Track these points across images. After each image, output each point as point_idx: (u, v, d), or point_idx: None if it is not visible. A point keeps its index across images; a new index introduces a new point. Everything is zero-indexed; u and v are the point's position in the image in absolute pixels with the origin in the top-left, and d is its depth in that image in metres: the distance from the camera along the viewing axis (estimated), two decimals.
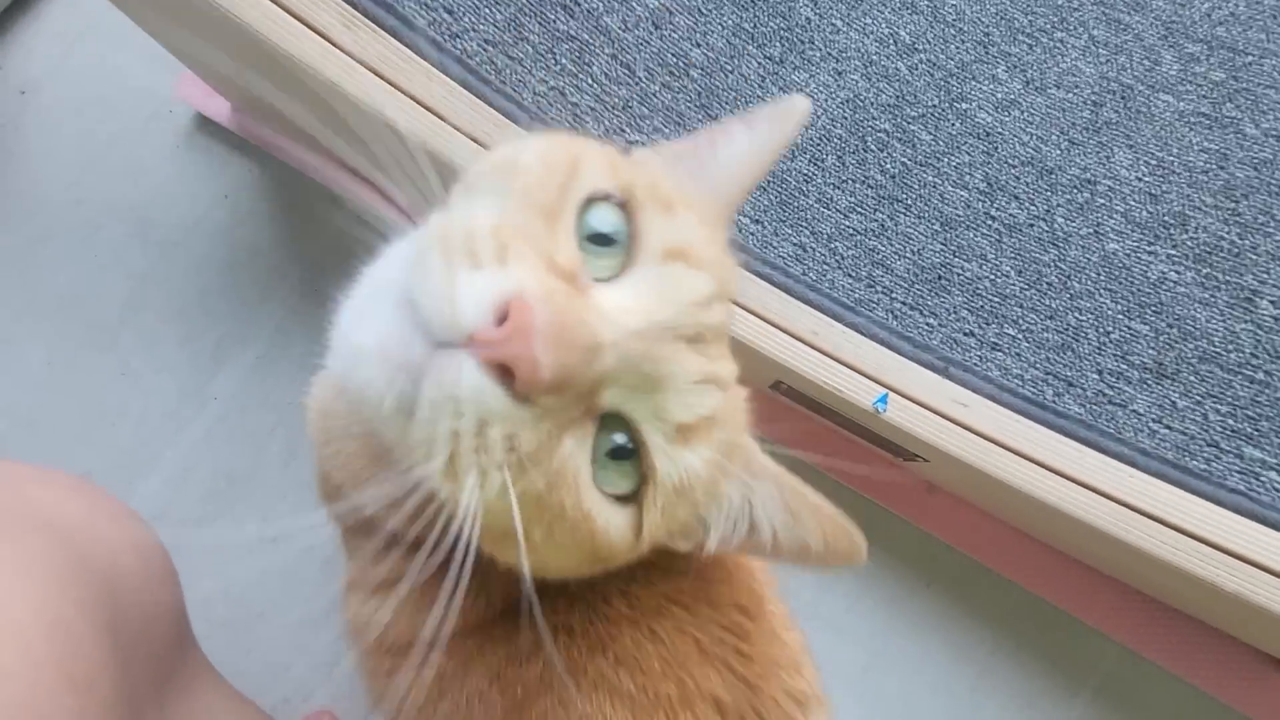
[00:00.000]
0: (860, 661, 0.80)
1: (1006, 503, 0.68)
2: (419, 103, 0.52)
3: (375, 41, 0.51)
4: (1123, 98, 0.68)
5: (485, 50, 0.57)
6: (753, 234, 0.62)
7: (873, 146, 0.66)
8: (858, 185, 0.65)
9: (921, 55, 0.68)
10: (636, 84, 0.61)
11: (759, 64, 0.65)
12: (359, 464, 0.31)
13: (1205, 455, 0.55)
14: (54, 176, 0.86)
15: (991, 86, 0.68)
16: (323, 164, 0.82)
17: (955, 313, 0.62)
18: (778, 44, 0.66)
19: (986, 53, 0.69)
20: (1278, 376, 0.57)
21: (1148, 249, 0.63)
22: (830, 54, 0.67)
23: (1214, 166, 0.64)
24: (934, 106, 0.67)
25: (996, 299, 0.63)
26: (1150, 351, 0.60)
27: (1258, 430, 0.55)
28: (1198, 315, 0.60)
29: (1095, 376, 0.59)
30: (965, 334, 0.62)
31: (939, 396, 0.59)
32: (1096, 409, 0.58)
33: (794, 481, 0.29)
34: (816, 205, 0.64)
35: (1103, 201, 0.65)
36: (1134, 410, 0.58)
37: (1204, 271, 0.61)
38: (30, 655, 0.28)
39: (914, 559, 0.81)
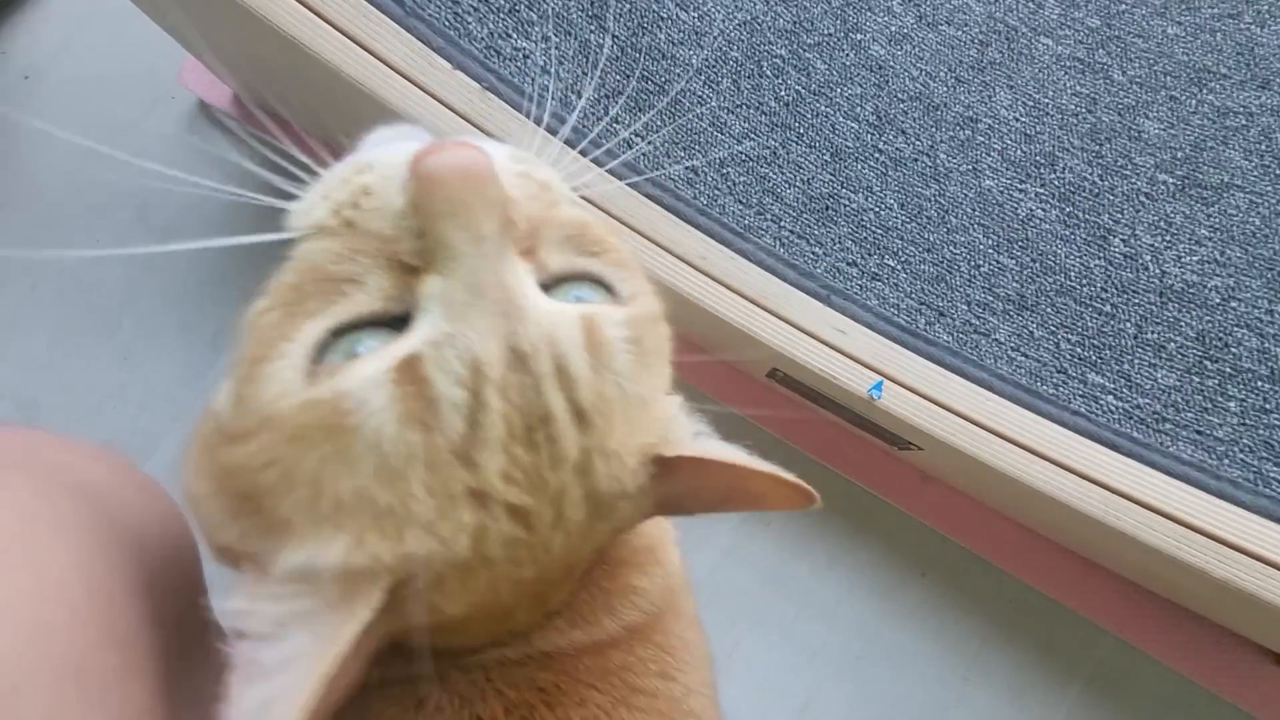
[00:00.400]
0: (853, 650, 0.81)
1: (1001, 493, 0.70)
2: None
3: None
4: (1007, 39, 0.70)
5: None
6: (644, 155, 0.61)
7: (768, 72, 0.65)
8: (752, 111, 0.65)
9: None
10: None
11: None
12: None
13: (1054, 381, 0.60)
14: (56, 161, 0.86)
15: (886, 19, 0.69)
16: (323, 151, 0.81)
17: (840, 243, 0.64)
18: None
19: None
20: (1122, 309, 0.61)
21: (1019, 187, 0.66)
22: None
23: (1083, 110, 0.68)
24: (830, 35, 0.67)
25: (880, 231, 0.64)
26: (1014, 285, 0.63)
27: (1100, 358, 0.60)
28: (1058, 251, 0.63)
29: (964, 307, 0.63)
30: (849, 264, 0.63)
31: (819, 323, 0.60)
32: (963, 337, 0.61)
33: None
34: (710, 129, 0.63)
35: (982, 140, 0.67)
36: (996, 339, 0.61)
37: (1067, 210, 0.65)
38: (73, 612, 0.28)
39: (908, 548, 0.82)
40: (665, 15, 0.63)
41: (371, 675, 0.24)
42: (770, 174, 0.64)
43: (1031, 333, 0.61)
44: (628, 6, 0.62)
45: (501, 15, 0.58)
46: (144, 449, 0.81)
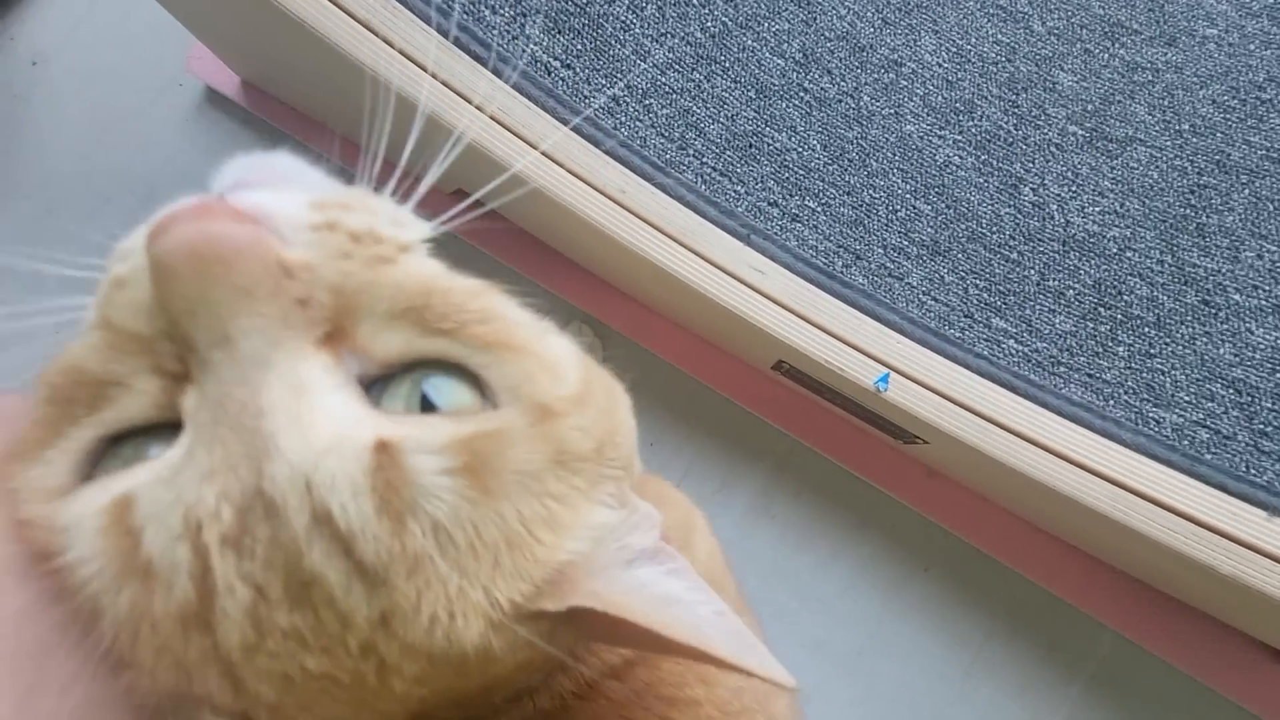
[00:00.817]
0: (856, 644, 0.81)
1: (1006, 488, 0.70)
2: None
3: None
4: None
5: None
6: (563, 79, 0.58)
7: (695, 1, 0.63)
8: (677, 41, 0.62)
9: None
10: None
11: None
12: None
13: (961, 325, 0.61)
14: (64, 148, 0.86)
15: None
16: (330, 139, 0.80)
17: (762, 182, 0.63)
18: None
19: None
20: (1028, 257, 0.63)
21: (939, 133, 0.66)
22: None
23: (1003, 59, 0.68)
24: None
25: (802, 171, 0.64)
26: (929, 230, 0.64)
27: (1005, 304, 0.62)
28: (972, 198, 0.65)
29: (880, 251, 0.63)
30: (770, 204, 0.63)
31: (738, 263, 0.60)
32: (878, 281, 0.62)
33: None
34: (633, 57, 0.61)
35: (905, 84, 0.67)
36: (909, 283, 0.62)
37: (982, 158, 0.66)
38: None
39: (912, 543, 0.82)
40: None
41: None
42: (694, 108, 0.63)
43: (943, 278, 0.63)
44: None
45: None
46: None
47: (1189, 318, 0.60)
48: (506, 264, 0.87)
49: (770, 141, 0.64)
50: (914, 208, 0.65)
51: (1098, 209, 0.64)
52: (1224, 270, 0.61)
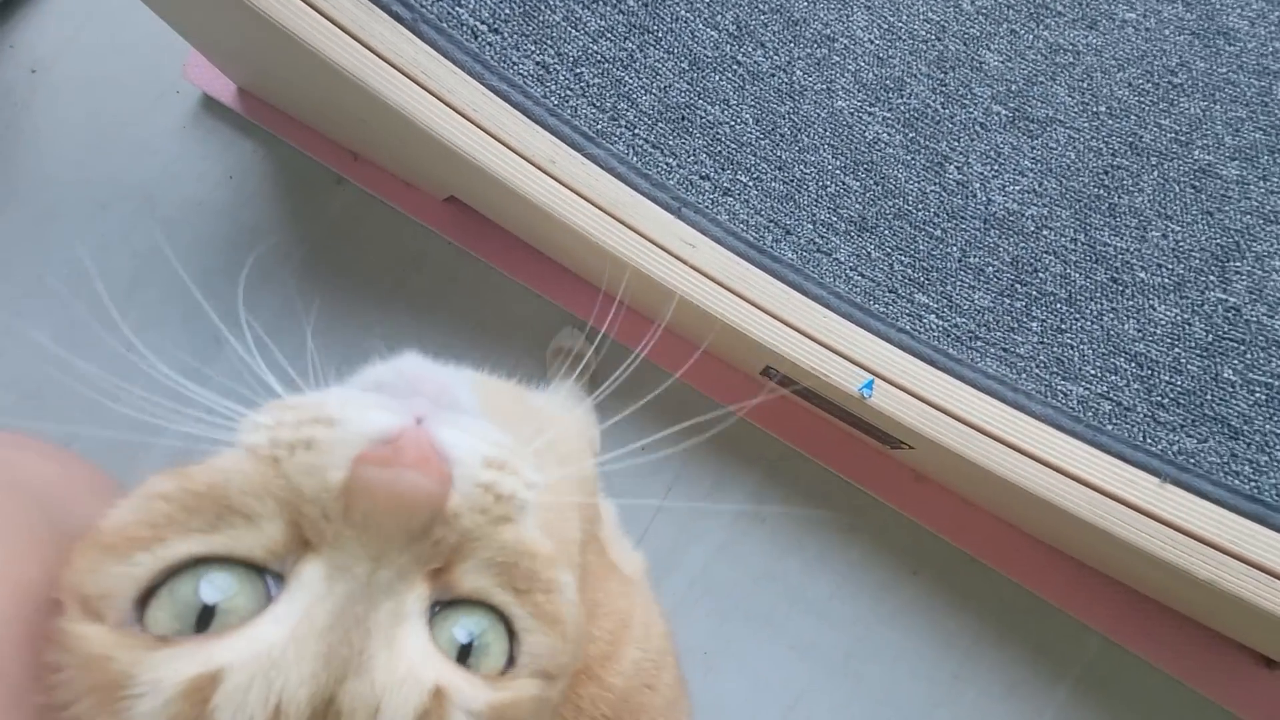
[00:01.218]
0: (844, 647, 0.81)
1: (992, 492, 0.71)
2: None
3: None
4: None
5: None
6: (490, 44, 0.57)
7: None
8: (609, 8, 0.61)
9: None
10: None
11: None
12: None
13: (886, 300, 0.63)
14: (62, 155, 0.87)
15: None
16: (325, 146, 0.84)
17: (694, 155, 0.63)
18: None
19: None
20: (950, 234, 0.65)
21: (869, 110, 0.67)
22: None
23: (933, 37, 0.69)
24: None
25: (734, 145, 0.64)
26: (857, 206, 0.65)
27: (928, 280, 0.63)
28: (899, 175, 0.66)
29: (810, 226, 0.64)
30: (701, 177, 0.63)
31: (669, 235, 0.60)
32: (807, 256, 0.63)
33: None
34: (564, 23, 0.60)
35: (838, 59, 0.68)
36: (837, 259, 0.64)
37: (910, 135, 0.67)
38: None
39: (900, 547, 0.83)
40: None
41: None
42: (626, 78, 0.62)
43: (869, 253, 0.64)
44: None
45: None
46: (144, 441, 0.78)
47: (1098, 295, 0.63)
48: (498, 269, 0.86)
49: (703, 114, 0.64)
50: (843, 184, 0.65)
51: (1018, 188, 0.66)
52: (1132, 249, 0.63)
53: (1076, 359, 0.61)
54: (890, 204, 0.65)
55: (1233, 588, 0.52)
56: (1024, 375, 0.61)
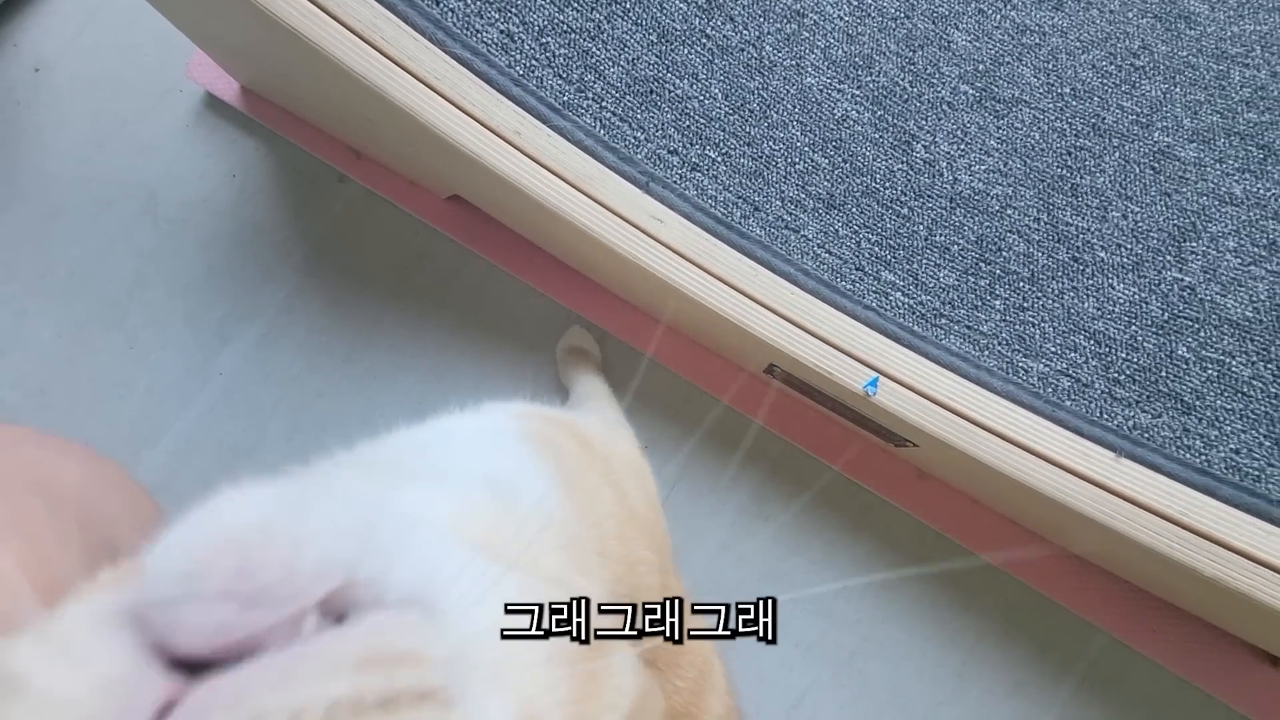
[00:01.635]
0: (848, 645, 0.81)
1: (1002, 494, 0.71)
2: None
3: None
4: None
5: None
6: (453, 10, 0.55)
7: None
8: None
9: None
10: None
11: None
12: None
13: (853, 277, 0.63)
14: (66, 153, 0.87)
15: None
16: (328, 144, 0.83)
17: (663, 130, 0.62)
18: None
19: None
20: (917, 212, 0.65)
21: (838, 87, 0.67)
22: None
23: (902, 15, 0.69)
24: None
25: (703, 120, 0.63)
26: (825, 184, 0.65)
27: (895, 258, 0.64)
28: (867, 153, 0.66)
29: (778, 203, 0.64)
30: (670, 151, 0.62)
31: (637, 210, 0.60)
32: (775, 232, 0.63)
33: None
34: None
35: (807, 35, 0.67)
36: (805, 236, 0.64)
37: (878, 113, 0.67)
38: (16, 605, 0.26)
39: (905, 545, 0.82)
40: None
41: None
42: (594, 49, 0.61)
43: (837, 231, 0.64)
44: None
45: None
46: (149, 437, 0.82)
47: (1059, 273, 0.63)
48: (501, 267, 0.85)
49: (671, 88, 0.63)
50: (812, 161, 0.65)
51: (983, 167, 0.66)
52: (1093, 229, 0.64)
53: (1037, 336, 0.62)
54: (858, 182, 0.65)
55: (1182, 557, 0.54)
56: (986, 352, 0.61)
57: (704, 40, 0.65)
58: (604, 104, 0.61)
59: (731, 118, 0.64)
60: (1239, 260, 0.62)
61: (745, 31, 0.66)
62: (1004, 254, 0.64)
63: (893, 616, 0.82)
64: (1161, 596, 0.76)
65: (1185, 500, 0.55)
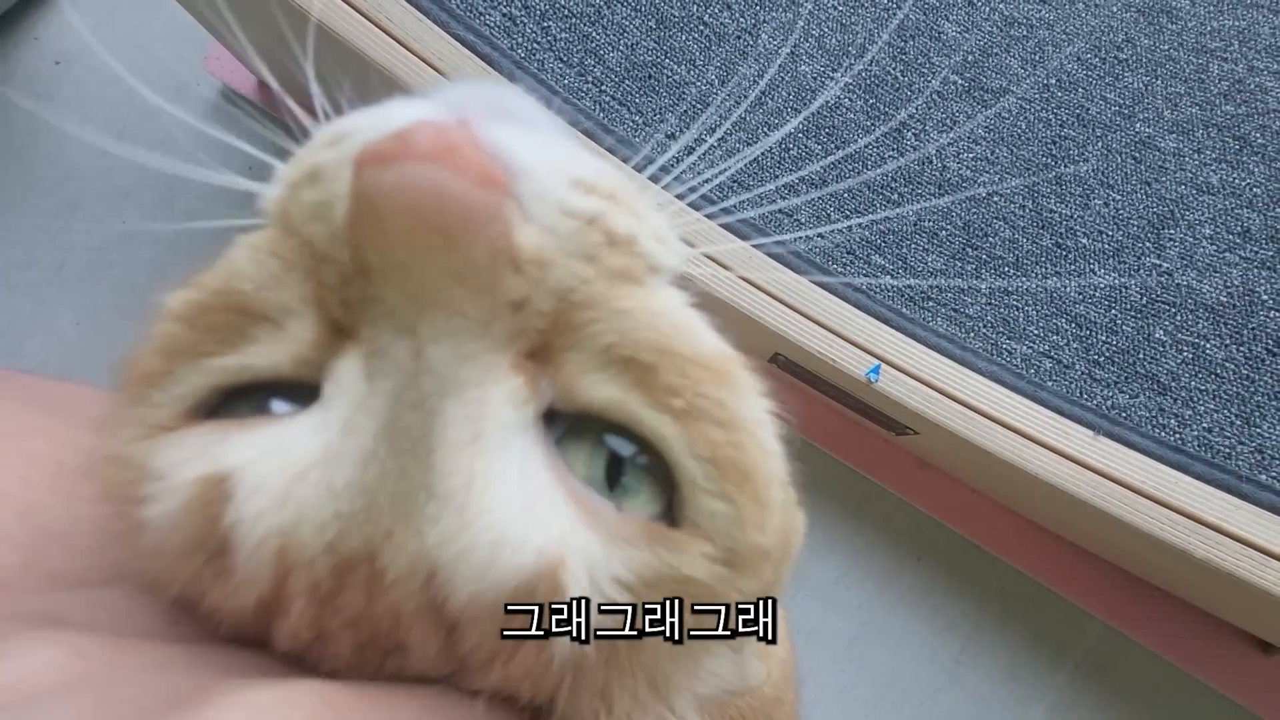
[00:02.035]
0: (848, 632, 0.82)
1: (994, 478, 0.72)
2: None
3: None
4: None
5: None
6: None
7: None
8: None
9: None
10: None
11: None
12: None
13: (844, 261, 0.65)
14: (85, 145, 0.89)
15: None
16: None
17: (660, 114, 0.64)
18: None
19: None
20: (908, 198, 0.67)
21: (831, 75, 0.68)
22: None
23: (894, 6, 0.71)
24: None
25: (699, 105, 0.65)
26: (817, 169, 0.67)
27: (884, 242, 0.66)
28: (859, 140, 0.68)
29: (773, 188, 0.65)
30: (666, 135, 0.64)
31: None
32: (768, 216, 0.65)
33: None
34: None
35: (802, 24, 0.69)
36: (797, 219, 0.65)
37: (870, 101, 0.68)
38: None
39: (905, 534, 0.83)
40: None
41: None
42: (594, 34, 0.62)
43: (829, 215, 0.66)
44: None
45: None
46: None
47: (1043, 259, 0.66)
48: None
49: (670, 73, 0.65)
50: (805, 147, 0.67)
51: (971, 155, 0.68)
52: (1075, 216, 0.66)
53: (1021, 320, 0.64)
54: (849, 167, 0.67)
55: (1155, 530, 0.56)
56: (972, 334, 0.63)
57: (701, 27, 0.66)
58: (603, 88, 0.62)
59: (726, 103, 0.66)
60: (1215, 247, 0.64)
61: (742, 19, 0.67)
62: (990, 239, 0.66)
63: (892, 603, 0.83)
64: (1154, 583, 0.78)
65: (1159, 476, 0.57)
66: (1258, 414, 0.59)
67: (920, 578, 0.84)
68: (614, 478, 0.16)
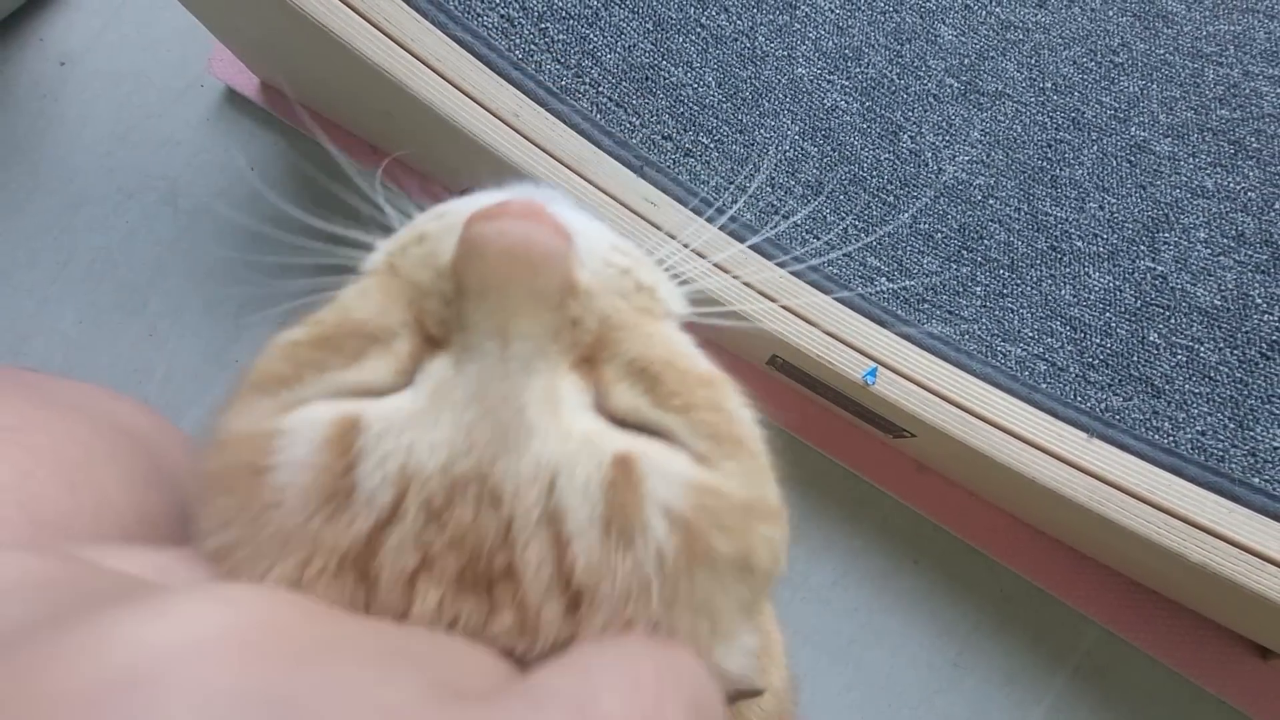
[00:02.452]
0: (846, 634, 0.82)
1: (990, 481, 0.72)
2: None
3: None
4: None
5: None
6: None
7: None
8: None
9: None
10: None
11: None
12: None
13: (838, 262, 0.65)
14: (89, 145, 0.89)
15: None
16: (346, 141, 0.85)
17: (657, 116, 0.64)
18: None
19: None
20: (903, 201, 0.67)
21: (827, 78, 0.69)
22: None
23: (890, 9, 0.71)
24: None
25: (696, 107, 0.65)
26: (814, 171, 0.67)
27: (880, 244, 0.66)
28: (854, 143, 0.68)
29: (768, 189, 0.66)
30: (664, 137, 0.64)
31: (631, 193, 0.61)
32: (764, 217, 0.65)
33: None
34: None
35: (799, 27, 0.69)
36: (794, 222, 0.65)
37: (866, 104, 0.69)
38: (125, 532, 0.30)
39: (902, 536, 0.83)
40: None
41: None
42: (591, 36, 0.63)
43: (825, 217, 0.66)
44: None
45: None
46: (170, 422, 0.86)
47: (1038, 261, 0.66)
48: None
49: (667, 75, 0.65)
50: (802, 149, 0.67)
51: (967, 158, 0.68)
52: (1070, 219, 0.67)
53: (1016, 322, 0.64)
54: (846, 170, 0.67)
55: (1148, 532, 0.56)
56: (967, 336, 0.63)
57: (699, 29, 0.66)
58: (600, 89, 0.62)
59: (724, 105, 0.66)
60: (1209, 251, 0.65)
61: (739, 22, 0.67)
62: (985, 242, 0.66)
63: (890, 605, 0.83)
64: (1151, 587, 0.78)
65: (1153, 479, 0.58)
66: (1251, 417, 0.59)
67: (918, 580, 0.84)
68: None
